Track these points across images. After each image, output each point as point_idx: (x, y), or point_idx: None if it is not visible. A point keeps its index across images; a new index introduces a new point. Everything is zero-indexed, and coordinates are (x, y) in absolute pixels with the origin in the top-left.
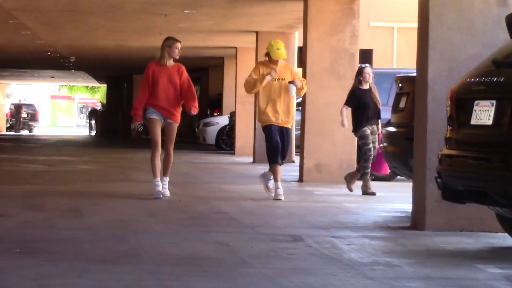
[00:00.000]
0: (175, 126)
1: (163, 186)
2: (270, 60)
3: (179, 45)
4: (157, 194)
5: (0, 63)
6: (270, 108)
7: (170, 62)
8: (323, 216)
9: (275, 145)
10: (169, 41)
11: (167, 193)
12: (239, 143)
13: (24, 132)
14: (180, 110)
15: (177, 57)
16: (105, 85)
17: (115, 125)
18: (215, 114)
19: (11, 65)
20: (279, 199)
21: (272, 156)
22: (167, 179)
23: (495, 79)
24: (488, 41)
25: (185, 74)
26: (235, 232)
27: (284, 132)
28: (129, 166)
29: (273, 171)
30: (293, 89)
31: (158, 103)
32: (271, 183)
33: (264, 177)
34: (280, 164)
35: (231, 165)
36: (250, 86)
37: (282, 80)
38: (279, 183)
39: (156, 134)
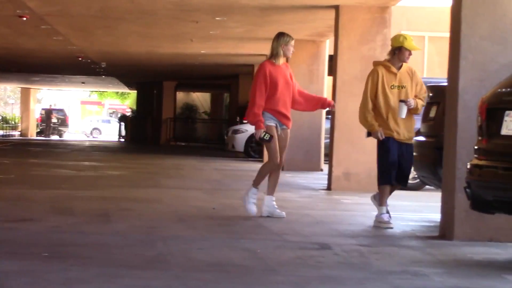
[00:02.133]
0: (289, 133)
1: (273, 205)
2: (397, 57)
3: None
4: (252, 211)
5: (31, 68)
6: (390, 120)
7: (281, 61)
8: (351, 225)
9: (393, 161)
10: (286, 38)
11: (283, 213)
12: None
13: (54, 137)
14: None
15: (290, 56)
16: (135, 91)
17: (144, 131)
18: (244, 121)
19: (42, 70)
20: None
21: (385, 175)
22: (274, 198)
23: None
24: None
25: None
26: (263, 239)
27: (404, 150)
28: (158, 172)
29: (382, 192)
30: (403, 110)
31: (277, 107)
32: (386, 216)
33: (375, 198)
34: (392, 185)
35: None
36: (363, 117)
37: (402, 88)
38: (385, 208)
39: (277, 147)
